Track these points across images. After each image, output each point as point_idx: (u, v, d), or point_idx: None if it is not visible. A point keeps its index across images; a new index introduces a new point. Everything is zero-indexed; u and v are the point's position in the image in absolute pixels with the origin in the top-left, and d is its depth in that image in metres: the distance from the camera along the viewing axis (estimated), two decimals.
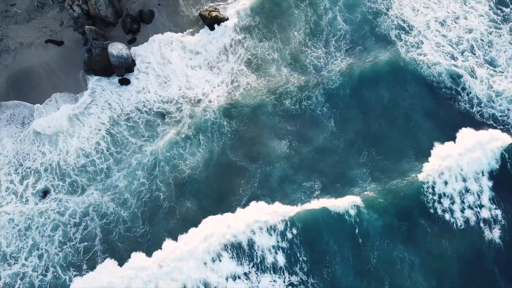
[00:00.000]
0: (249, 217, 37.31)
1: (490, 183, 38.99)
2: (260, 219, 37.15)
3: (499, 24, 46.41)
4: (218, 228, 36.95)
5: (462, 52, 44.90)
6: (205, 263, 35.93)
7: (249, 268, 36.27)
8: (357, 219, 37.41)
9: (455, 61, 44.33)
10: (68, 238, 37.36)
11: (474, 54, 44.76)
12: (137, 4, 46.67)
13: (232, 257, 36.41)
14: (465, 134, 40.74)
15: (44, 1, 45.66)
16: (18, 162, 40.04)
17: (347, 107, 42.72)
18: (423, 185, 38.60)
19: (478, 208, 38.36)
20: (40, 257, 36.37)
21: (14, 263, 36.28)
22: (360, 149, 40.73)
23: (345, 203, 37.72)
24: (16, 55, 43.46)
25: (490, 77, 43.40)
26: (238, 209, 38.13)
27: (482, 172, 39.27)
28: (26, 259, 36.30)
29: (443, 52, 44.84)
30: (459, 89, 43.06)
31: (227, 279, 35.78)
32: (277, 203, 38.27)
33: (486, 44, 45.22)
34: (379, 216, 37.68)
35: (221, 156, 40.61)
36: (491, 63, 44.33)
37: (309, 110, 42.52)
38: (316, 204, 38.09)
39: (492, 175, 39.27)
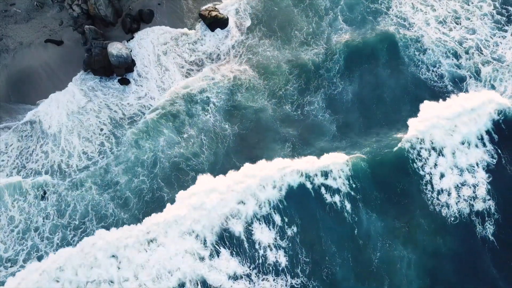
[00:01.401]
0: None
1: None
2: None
3: (503, 25, 46.19)
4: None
5: (466, 51, 44.91)
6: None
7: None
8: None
9: (458, 60, 44.32)
10: (66, 242, 37.06)
11: (481, 53, 44.69)
12: (137, 4, 46.48)
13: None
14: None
15: (44, 1, 45.45)
16: (21, 163, 39.85)
17: (346, 107, 42.89)
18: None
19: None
20: (39, 258, 36.29)
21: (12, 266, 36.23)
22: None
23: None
24: (16, 54, 43.28)
25: (492, 72, 43.48)
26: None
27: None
28: (24, 261, 36.20)
29: (444, 47, 44.92)
30: (459, 91, 43.19)
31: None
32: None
33: (492, 44, 45.07)
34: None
35: (226, 159, 40.38)
36: (498, 59, 44.30)
37: (310, 112, 42.70)
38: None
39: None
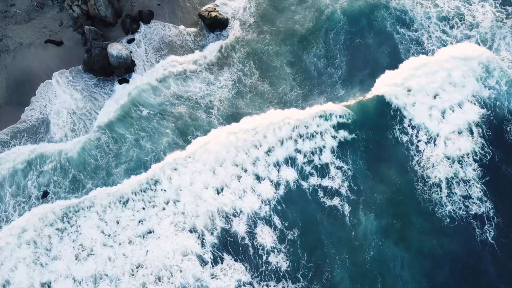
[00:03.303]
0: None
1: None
2: None
3: (504, 23, 46.18)
4: None
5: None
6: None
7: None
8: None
9: None
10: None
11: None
12: (136, 4, 46.40)
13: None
14: None
15: (44, 1, 45.43)
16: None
17: None
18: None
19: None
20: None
21: None
22: None
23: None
24: (16, 55, 43.31)
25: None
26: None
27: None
28: None
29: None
30: None
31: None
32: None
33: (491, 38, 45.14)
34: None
35: None
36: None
37: None
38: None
39: None
